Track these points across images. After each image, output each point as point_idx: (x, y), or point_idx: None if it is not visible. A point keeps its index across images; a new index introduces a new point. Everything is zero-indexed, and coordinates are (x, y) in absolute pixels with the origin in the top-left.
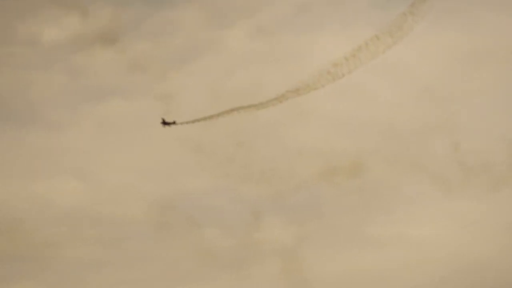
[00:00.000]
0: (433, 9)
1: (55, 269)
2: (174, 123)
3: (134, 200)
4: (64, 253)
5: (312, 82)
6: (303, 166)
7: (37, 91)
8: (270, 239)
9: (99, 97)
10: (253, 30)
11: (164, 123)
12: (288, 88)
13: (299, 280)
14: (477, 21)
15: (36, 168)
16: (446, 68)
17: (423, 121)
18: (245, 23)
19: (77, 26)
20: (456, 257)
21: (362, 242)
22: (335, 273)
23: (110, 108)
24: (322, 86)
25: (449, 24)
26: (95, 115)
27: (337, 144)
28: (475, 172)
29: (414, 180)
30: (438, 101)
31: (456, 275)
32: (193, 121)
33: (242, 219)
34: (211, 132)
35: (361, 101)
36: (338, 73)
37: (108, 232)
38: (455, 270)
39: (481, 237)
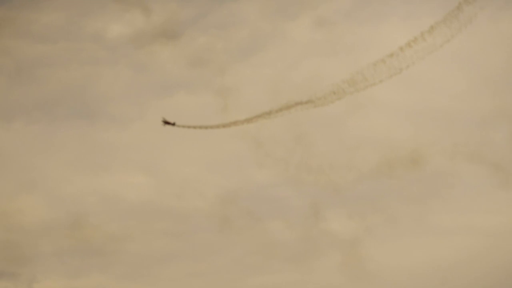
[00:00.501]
0: None
1: (124, 262)
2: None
3: (200, 193)
4: (132, 246)
5: (372, 73)
6: (362, 159)
7: (103, 86)
8: (331, 232)
9: (164, 91)
10: (316, 22)
11: (165, 122)
12: (348, 80)
13: (360, 272)
14: None
15: (103, 163)
16: (506, 58)
17: (482, 110)
18: (307, 15)
19: (141, 22)
20: None
21: (425, 232)
22: (396, 264)
23: (174, 102)
24: (380, 81)
25: (510, 13)
26: (160, 109)
27: (396, 135)
28: None
29: (474, 170)
30: (498, 91)
31: None
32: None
33: (302, 213)
34: (271, 127)
35: (421, 91)
36: (398, 64)
37: (175, 226)
38: None
39: None
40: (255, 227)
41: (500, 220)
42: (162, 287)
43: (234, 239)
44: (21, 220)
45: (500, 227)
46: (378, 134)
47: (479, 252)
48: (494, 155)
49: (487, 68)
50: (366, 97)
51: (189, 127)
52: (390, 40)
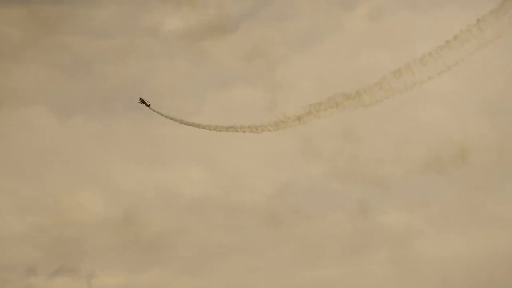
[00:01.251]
0: None
1: (183, 256)
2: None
3: (254, 188)
4: (189, 240)
5: (427, 65)
6: (412, 152)
7: (161, 80)
8: (381, 226)
9: (221, 85)
10: (372, 12)
11: (142, 101)
12: (402, 71)
13: (411, 265)
14: None
15: (160, 157)
16: None
17: None
18: (364, 5)
19: (197, 15)
20: None
21: (476, 225)
22: (447, 257)
23: (232, 95)
24: (438, 73)
25: None
26: (218, 102)
27: (445, 128)
28: None
29: None
30: None
31: None
32: (167, 117)
33: (352, 208)
34: (320, 121)
35: (471, 83)
36: (453, 55)
37: (231, 220)
38: None
39: None
40: (306, 222)
41: None
42: (219, 282)
43: (286, 234)
44: (80, 215)
45: None
46: (427, 127)
47: None
48: None
49: None
50: (416, 89)
51: (162, 114)
52: (447, 29)
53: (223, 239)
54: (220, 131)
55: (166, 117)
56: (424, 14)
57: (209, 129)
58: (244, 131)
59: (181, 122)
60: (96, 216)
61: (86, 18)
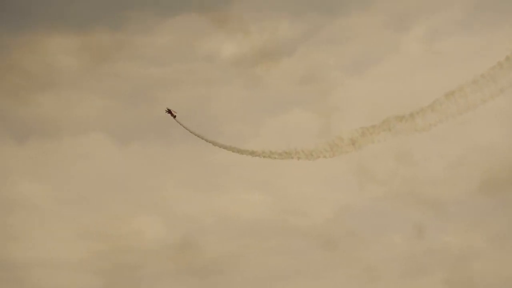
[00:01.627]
0: None
1: (241, 280)
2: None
3: (312, 211)
4: (248, 264)
5: (482, 86)
6: (466, 175)
7: (218, 106)
8: (436, 250)
9: (278, 108)
10: (429, 33)
11: (169, 111)
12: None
13: None
14: None
15: (219, 182)
16: None
17: None
18: (420, 26)
19: (253, 40)
20: None
21: None
22: (504, 279)
23: (289, 119)
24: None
25: None
26: (275, 126)
27: (499, 151)
28: None
29: None
30: None
31: None
32: (191, 132)
33: (407, 231)
34: (374, 145)
35: None
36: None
37: (290, 243)
38: None
39: None
40: (363, 246)
41: None
42: None
43: (343, 257)
44: (138, 241)
45: None
46: (482, 148)
47: None
48: None
49: None
50: (470, 111)
51: (187, 128)
52: (500, 51)
53: (280, 263)
54: (274, 158)
55: (200, 137)
56: (477, 35)
57: (263, 157)
58: (298, 158)
59: (222, 147)
60: (155, 242)
61: (142, 45)
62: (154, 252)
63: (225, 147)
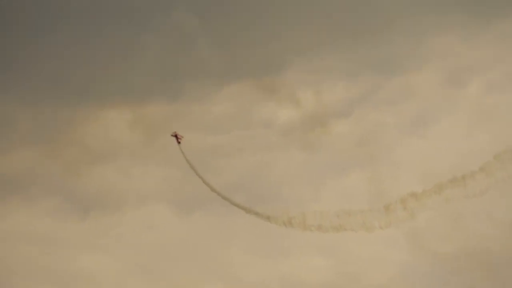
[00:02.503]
0: None
1: None
2: (179, 142)
3: (375, 275)
4: None
5: None
6: None
7: (277, 171)
8: None
9: (337, 171)
10: (487, 87)
11: (175, 136)
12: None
13: None
14: None
15: (282, 247)
16: None
17: None
18: (478, 80)
19: (311, 103)
20: None
21: None
22: None
23: (349, 180)
24: None
25: None
26: (335, 189)
27: None
28: None
29: None
30: None
31: None
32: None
33: None
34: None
35: None
36: None
37: None
38: None
39: None
40: None
41: None
42: None
43: None
44: None
45: None
46: None
47: None
48: None
49: None
50: None
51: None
52: None
53: None
54: (325, 232)
55: (235, 204)
56: None
57: (312, 230)
58: (352, 230)
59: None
60: None
61: (199, 114)
62: None
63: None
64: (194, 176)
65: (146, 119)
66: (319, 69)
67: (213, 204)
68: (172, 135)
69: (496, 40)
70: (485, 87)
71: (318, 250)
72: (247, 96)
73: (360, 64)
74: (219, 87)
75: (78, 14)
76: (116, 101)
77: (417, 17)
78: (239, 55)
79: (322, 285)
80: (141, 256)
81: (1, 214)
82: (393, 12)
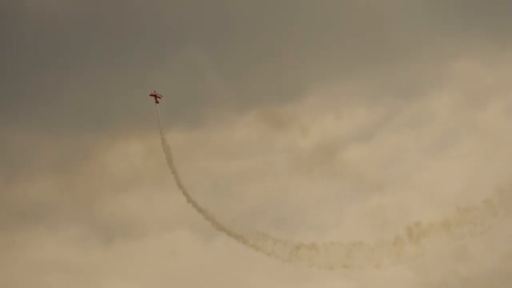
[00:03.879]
0: None
1: None
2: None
3: None
4: None
5: None
6: None
7: (299, 196)
8: None
9: (359, 194)
10: (508, 109)
11: (155, 96)
12: None
13: None
14: None
15: (305, 271)
16: None
17: None
18: (498, 102)
19: (331, 127)
20: None
21: None
22: None
23: (370, 205)
24: None
25: None
26: (357, 214)
27: None
28: None
29: None
30: None
31: None
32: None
33: None
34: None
35: None
36: None
37: None
38: None
39: None
40: None
41: None
42: None
43: None
44: None
45: None
46: None
47: None
48: None
49: None
50: None
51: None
52: None
53: None
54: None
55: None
56: None
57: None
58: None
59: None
60: None
61: (221, 141)
62: None
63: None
64: (217, 202)
65: (168, 147)
66: (339, 95)
67: (235, 229)
68: (150, 95)
69: None
70: (504, 109)
71: (340, 273)
72: (267, 123)
73: (380, 88)
74: (240, 114)
75: (98, 48)
76: (136, 129)
77: (436, 40)
78: (259, 82)
79: None
80: (164, 281)
81: (26, 243)
82: (412, 36)
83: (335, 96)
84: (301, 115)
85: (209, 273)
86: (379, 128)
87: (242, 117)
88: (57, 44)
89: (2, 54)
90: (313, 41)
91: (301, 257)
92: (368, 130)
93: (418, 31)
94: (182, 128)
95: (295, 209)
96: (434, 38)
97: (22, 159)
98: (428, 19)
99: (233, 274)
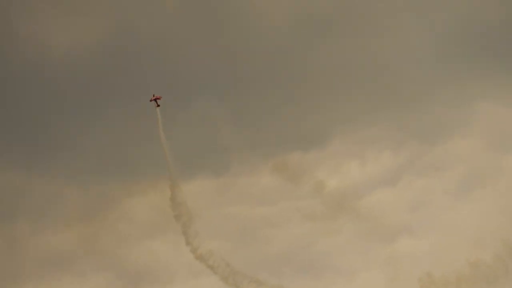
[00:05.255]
0: None
1: None
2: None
3: None
4: None
5: None
6: None
7: (325, 240)
8: None
9: (386, 237)
10: None
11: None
12: None
13: None
14: None
15: None
16: None
17: None
18: None
19: (356, 172)
20: None
21: None
22: None
23: (398, 247)
24: None
25: None
26: (383, 257)
27: None
28: None
29: None
30: None
31: None
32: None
33: None
34: None
35: None
36: None
37: None
38: None
39: None
40: None
41: None
42: None
43: None
44: None
45: None
46: None
47: None
48: None
49: None
50: None
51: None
52: None
53: None
54: None
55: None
56: None
57: None
58: None
59: None
60: None
61: (247, 186)
62: None
63: None
64: (243, 247)
65: (193, 194)
66: (364, 139)
67: (263, 274)
68: (150, 100)
69: None
70: None
71: None
72: (293, 167)
73: (405, 132)
74: (265, 158)
75: (122, 99)
76: (164, 177)
77: (460, 83)
78: (284, 127)
79: None
80: None
81: None
82: (436, 80)
83: (360, 140)
84: (326, 160)
85: None
86: (405, 171)
87: (267, 163)
88: (82, 99)
89: (27, 104)
90: (336, 87)
91: None
92: (394, 173)
93: (442, 75)
94: (208, 174)
95: (321, 253)
96: (458, 81)
97: (47, 208)
98: (452, 62)
99: None
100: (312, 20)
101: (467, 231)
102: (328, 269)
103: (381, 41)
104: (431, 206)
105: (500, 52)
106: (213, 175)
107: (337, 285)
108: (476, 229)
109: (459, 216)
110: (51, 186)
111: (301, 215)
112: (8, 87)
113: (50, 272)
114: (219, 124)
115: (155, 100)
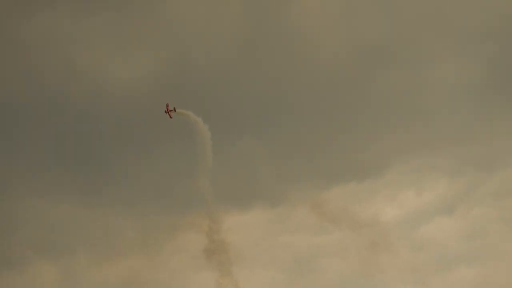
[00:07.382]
0: None
1: None
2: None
3: None
4: None
5: None
6: None
7: (383, 267)
8: None
9: (444, 266)
10: None
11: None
12: None
13: None
14: None
15: None
16: None
17: None
18: None
19: (413, 201)
20: None
21: None
22: None
23: (455, 276)
24: None
25: None
26: (441, 285)
27: None
28: None
29: None
30: None
31: None
32: None
33: None
34: None
35: None
36: None
37: None
38: None
39: None
40: None
41: None
42: None
43: None
44: None
45: None
46: None
47: None
48: None
49: None
50: None
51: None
52: None
53: None
54: None
55: None
56: None
57: None
58: None
59: None
60: None
61: (303, 216)
62: None
63: None
64: (300, 277)
65: (251, 224)
66: (420, 168)
67: None
68: (165, 111)
69: None
70: None
71: None
72: (350, 196)
73: (461, 161)
74: (320, 190)
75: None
76: (224, 206)
77: None
78: (341, 158)
79: None
80: None
81: None
82: (492, 109)
83: (416, 170)
84: (383, 189)
85: None
86: (463, 199)
87: (326, 192)
88: (136, 126)
89: (86, 137)
90: (394, 118)
91: None
92: (451, 202)
93: (499, 104)
94: (265, 204)
95: (377, 284)
96: None
97: (105, 239)
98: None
99: None
100: (368, 48)
101: None
102: None
103: (439, 72)
104: (489, 234)
105: None
106: (269, 206)
107: None
108: None
109: None
110: (109, 217)
111: (358, 244)
112: (68, 120)
113: None
114: (276, 154)
115: (168, 113)
